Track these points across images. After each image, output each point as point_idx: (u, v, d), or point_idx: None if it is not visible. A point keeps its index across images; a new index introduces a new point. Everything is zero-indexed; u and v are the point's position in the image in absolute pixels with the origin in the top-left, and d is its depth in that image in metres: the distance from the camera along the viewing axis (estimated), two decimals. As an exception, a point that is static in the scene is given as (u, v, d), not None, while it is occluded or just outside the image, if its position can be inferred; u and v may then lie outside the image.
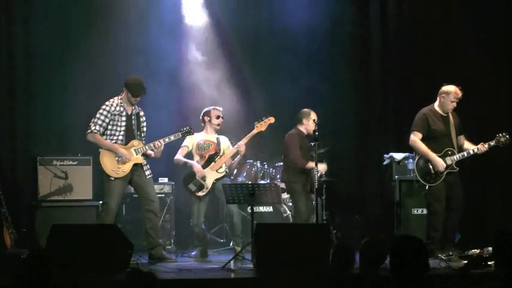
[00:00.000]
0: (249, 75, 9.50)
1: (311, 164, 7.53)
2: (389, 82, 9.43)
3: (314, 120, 7.62)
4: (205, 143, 7.87)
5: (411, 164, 8.37)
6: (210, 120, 7.88)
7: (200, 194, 7.69)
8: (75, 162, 8.09)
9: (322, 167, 7.67)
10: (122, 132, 7.26)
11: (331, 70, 9.46)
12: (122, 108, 7.26)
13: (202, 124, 7.95)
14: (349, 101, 9.51)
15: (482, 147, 7.29)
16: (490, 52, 8.90)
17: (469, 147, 7.37)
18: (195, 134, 7.81)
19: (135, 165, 7.25)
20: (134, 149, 7.24)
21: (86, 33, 8.96)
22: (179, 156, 7.83)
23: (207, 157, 7.79)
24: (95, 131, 7.18)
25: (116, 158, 7.17)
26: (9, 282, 5.28)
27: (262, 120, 7.77)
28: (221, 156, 7.79)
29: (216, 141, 7.89)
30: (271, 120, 7.81)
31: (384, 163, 8.77)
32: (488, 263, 5.59)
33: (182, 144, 7.86)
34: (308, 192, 7.69)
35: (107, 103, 7.26)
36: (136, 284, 3.76)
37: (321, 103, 8.79)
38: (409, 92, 9.17)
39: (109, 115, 7.21)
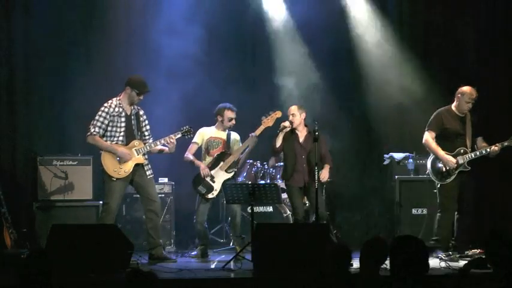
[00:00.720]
0: (250, 71, 9.50)
1: (277, 143, 7.49)
2: (389, 82, 9.41)
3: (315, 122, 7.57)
4: (215, 140, 7.80)
5: (411, 164, 8.39)
6: (222, 121, 7.82)
7: (210, 196, 7.65)
8: (75, 162, 8.09)
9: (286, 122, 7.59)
10: (122, 133, 7.25)
11: (332, 70, 9.46)
12: (120, 109, 7.26)
13: (215, 119, 7.88)
14: (349, 101, 9.50)
15: (495, 147, 7.28)
16: (490, 53, 8.92)
17: (484, 146, 7.35)
18: (205, 128, 7.81)
19: (137, 165, 7.25)
20: (135, 149, 7.24)
21: (85, 32, 8.96)
22: (188, 154, 7.77)
23: (215, 156, 7.75)
24: (94, 133, 7.17)
25: (117, 159, 7.17)
26: (9, 282, 5.29)
27: (269, 115, 7.66)
28: (230, 153, 7.72)
29: (225, 138, 7.80)
30: (278, 114, 7.67)
31: (384, 163, 8.77)
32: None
33: (192, 141, 7.78)
34: (307, 189, 7.53)
35: (105, 104, 7.25)
36: (136, 284, 3.75)
37: (321, 102, 8.79)
38: (409, 91, 9.17)
39: (108, 116, 7.21)
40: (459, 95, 7.38)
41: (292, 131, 7.55)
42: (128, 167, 7.19)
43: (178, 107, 8.82)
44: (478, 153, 7.32)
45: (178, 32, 8.92)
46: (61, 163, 8.05)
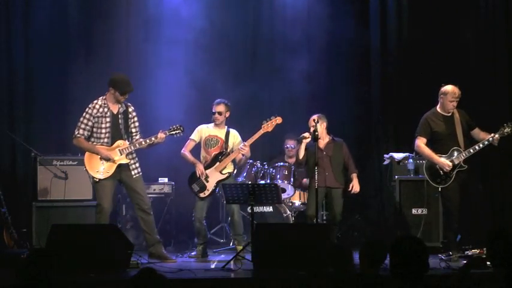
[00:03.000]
0: (250, 73, 9.51)
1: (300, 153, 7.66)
2: (389, 82, 9.42)
3: (314, 120, 7.61)
4: (213, 139, 7.75)
5: (411, 164, 8.37)
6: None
7: (201, 195, 7.65)
8: (75, 162, 8.08)
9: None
10: (106, 134, 7.13)
11: (332, 70, 9.46)
12: (105, 109, 7.13)
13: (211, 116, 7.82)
14: (349, 101, 9.50)
15: (494, 137, 7.22)
16: (490, 53, 8.93)
17: (484, 137, 7.29)
18: (203, 125, 7.77)
19: (122, 165, 7.15)
20: (119, 150, 7.14)
21: (85, 31, 8.96)
22: (186, 151, 7.72)
23: (212, 156, 7.72)
24: (78, 135, 7.11)
25: (101, 160, 7.13)
26: (9, 282, 5.28)
27: (270, 120, 7.66)
28: (227, 154, 7.72)
29: (224, 138, 7.77)
30: (279, 120, 7.68)
31: (384, 163, 8.77)
32: (488, 263, 5.59)
33: (190, 137, 7.75)
34: (329, 192, 7.69)
35: (89, 105, 7.13)
36: (148, 283, 3.68)
37: (321, 103, 8.79)
38: (409, 92, 9.17)
39: (91, 118, 7.10)
40: (441, 95, 7.35)
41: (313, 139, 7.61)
42: (110, 166, 7.09)
43: (179, 103, 8.81)
44: (471, 150, 7.26)
45: (178, 28, 8.94)
46: (61, 163, 8.05)
